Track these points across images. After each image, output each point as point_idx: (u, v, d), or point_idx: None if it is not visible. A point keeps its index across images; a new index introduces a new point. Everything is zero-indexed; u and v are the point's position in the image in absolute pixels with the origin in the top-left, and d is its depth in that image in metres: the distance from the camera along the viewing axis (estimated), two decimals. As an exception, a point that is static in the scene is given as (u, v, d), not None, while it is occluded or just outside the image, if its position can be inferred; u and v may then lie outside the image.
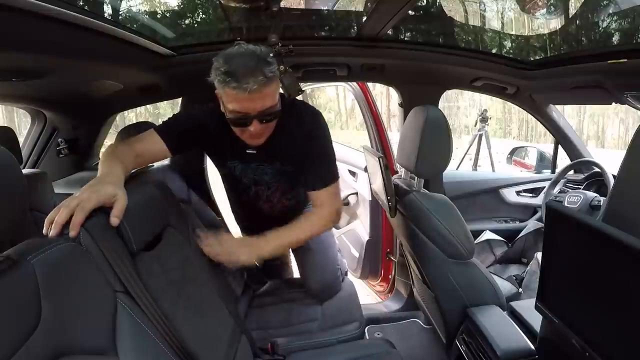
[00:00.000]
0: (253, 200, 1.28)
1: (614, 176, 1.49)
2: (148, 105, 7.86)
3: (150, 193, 0.99)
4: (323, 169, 1.16)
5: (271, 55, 1.00)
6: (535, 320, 1.03)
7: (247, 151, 1.13)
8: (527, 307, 1.18)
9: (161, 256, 0.92)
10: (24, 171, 1.43)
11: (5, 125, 1.48)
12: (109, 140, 1.72)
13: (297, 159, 1.17)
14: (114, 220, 0.76)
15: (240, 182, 1.24)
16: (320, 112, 1.20)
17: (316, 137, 1.14)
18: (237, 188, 1.28)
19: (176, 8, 1.58)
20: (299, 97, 1.26)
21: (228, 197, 1.43)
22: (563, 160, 1.97)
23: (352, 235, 2.27)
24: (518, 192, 2.01)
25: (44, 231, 0.69)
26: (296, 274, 1.78)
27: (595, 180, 1.73)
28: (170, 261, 0.94)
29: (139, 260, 0.83)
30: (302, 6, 1.53)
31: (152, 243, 0.92)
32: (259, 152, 1.13)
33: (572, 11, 1.55)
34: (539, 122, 1.95)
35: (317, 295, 1.41)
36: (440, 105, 1.80)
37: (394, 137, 1.80)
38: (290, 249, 1.51)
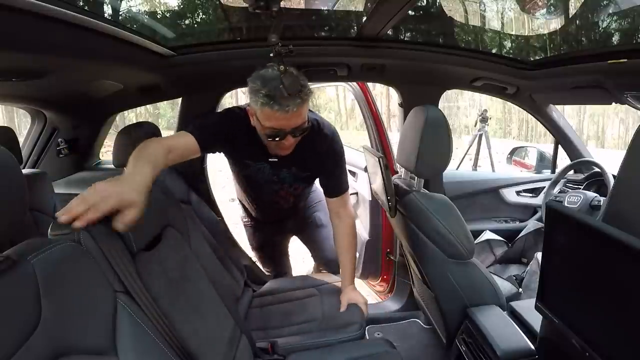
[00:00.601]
0: (266, 194, 1.43)
1: (614, 176, 1.49)
2: (148, 105, 7.87)
3: (152, 192, 0.99)
4: (341, 179, 1.35)
5: (302, 76, 1.09)
6: (535, 320, 1.03)
7: (270, 159, 1.27)
8: (527, 307, 1.18)
9: (161, 256, 0.92)
10: (24, 171, 1.43)
11: (5, 125, 1.48)
12: (109, 140, 1.72)
13: (313, 167, 1.34)
14: (120, 226, 0.75)
15: (257, 181, 1.37)
16: (335, 129, 1.34)
17: (334, 152, 1.31)
18: (253, 185, 1.42)
19: (176, 8, 1.58)
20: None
21: (241, 189, 1.55)
22: (563, 160, 1.97)
23: (352, 235, 2.27)
24: (518, 192, 2.01)
25: (59, 215, 0.69)
26: (297, 267, 1.81)
27: (595, 180, 1.73)
28: (170, 261, 0.95)
29: (139, 260, 0.83)
30: (302, 6, 1.53)
31: (152, 243, 0.92)
32: (280, 159, 1.26)
33: (572, 11, 1.55)
34: (539, 122, 1.95)
35: (333, 264, 1.61)
36: (440, 105, 1.80)
37: (394, 137, 1.80)
38: (298, 232, 1.76)
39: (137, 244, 0.84)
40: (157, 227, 0.97)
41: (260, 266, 1.88)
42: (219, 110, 1.29)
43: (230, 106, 1.28)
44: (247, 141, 1.21)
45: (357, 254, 2.14)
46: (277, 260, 1.84)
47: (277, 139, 1.12)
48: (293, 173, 1.34)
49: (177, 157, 1.10)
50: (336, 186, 1.35)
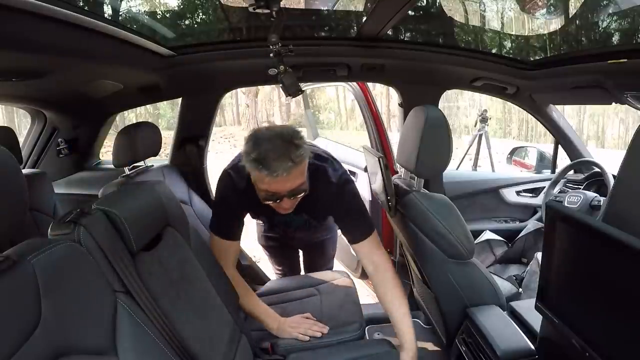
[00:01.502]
0: (281, 228, 1.49)
1: (614, 176, 1.49)
2: (148, 105, 7.87)
3: (150, 193, 0.99)
4: (360, 222, 1.23)
5: (299, 136, 1.04)
6: (535, 320, 1.03)
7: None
8: (527, 307, 1.18)
9: (161, 256, 0.92)
10: (24, 171, 1.43)
11: (5, 125, 1.48)
12: (109, 140, 1.72)
13: (326, 212, 1.32)
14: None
15: (271, 223, 1.45)
16: (346, 173, 1.24)
17: (345, 199, 1.21)
18: (268, 223, 1.49)
19: (176, 8, 1.58)
20: (299, 97, 1.31)
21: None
22: (563, 160, 1.97)
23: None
24: (518, 192, 2.01)
25: None
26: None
27: (595, 180, 1.73)
28: (170, 261, 0.94)
29: (139, 260, 0.83)
30: (302, 6, 1.53)
31: (152, 243, 0.92)
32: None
33: (572, 11, 1.55)
34: (539, 122, 1.95)
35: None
36: (440, 105, 1.80)
37: (394, 137, 1.80)
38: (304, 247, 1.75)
39: (138, 244, 0.84)
40: (157, 227, 0.97)
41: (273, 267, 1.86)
42: (219, 183, 1.26)
43: (229, 170, 1.22)
44: (251, 198, 1.14)
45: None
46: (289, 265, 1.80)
47: (272, 201, 1.09)
48: (305, 219, 1.36)
49: (234, 259, 1.27)
50: (356, 230, 1.22)
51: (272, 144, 0.99)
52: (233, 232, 1.25)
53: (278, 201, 1.08)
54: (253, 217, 1.44)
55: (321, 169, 1.20)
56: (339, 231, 1.76)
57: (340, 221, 1.27)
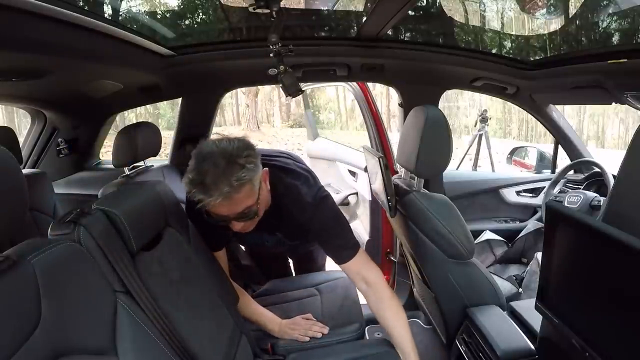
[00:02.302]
0: (256, 248, 1.46)
1: (614, 176, 1.49)
2: (148, 105, 7.87)
3: (150, 193, 1.00)
4: (342, 242, 1.12)
5: (246, 154, 0.91)
6: (535, 320, 1.03)
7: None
8: (527, 307, 1.18)
9: (161, 256, 0.92)
10: (24, 171, 1.43)
11: (5, 125, 1.48)
12: (109, 140, 1.72)
13: (301, 235, 1.18)
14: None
15: (244, 242, 1.42)
16: (327, 195, 1.14)
17: (322, 221, 1.10)
18: (242, 244, 1.46)
19: (176, 8, 1.58)
20: (299, 97, 1.30)
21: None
22: (563, 160, 1.97)
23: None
24: (518, 192, 2.01)
25: None
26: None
27: (595, 180, 1.73)
28: (170, 261, 0.94)
29: (139, 260, 0.83)
30: (302, 6, 1.53)
31: (152, 243, 0.92)
32: (257, 227, 1.06)
33: (572, 11, 1.55)
34: (539, 122, 1.95)
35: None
36: (440, 105, 1.80)
37: (394, 137, 1.80)
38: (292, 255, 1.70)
39: (137, 244, 0.84)
40: (157, 227, 0.97)
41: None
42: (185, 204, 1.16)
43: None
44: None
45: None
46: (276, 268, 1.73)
47: (222, 222, 0.97)
48: (279, 238, 1.24)
49: (224, 267, 1.23)
50: (340, 251, 1.12)
51: (213, 163, 0.87)
52: (213, 244, 1.17)
53: (229, 224, 0.97)
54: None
55: (293, 188, 1.09)
56: None
57: (322, 243, 1.16)
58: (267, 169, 1.01)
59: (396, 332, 1.12)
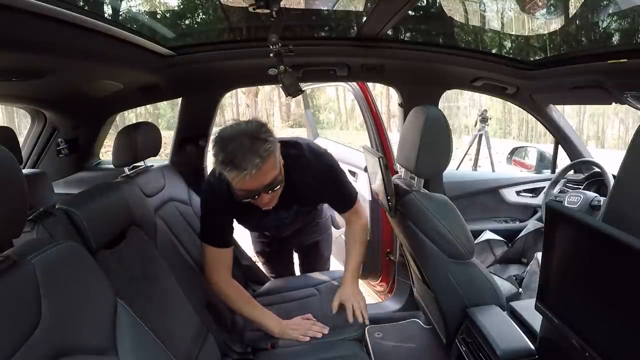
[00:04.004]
0: (274, 231, 1.49)
1: (614, 176, 1.49)
2: (148, 105, 7.86)
3: (115, 192, 1.03)
4: (345, 194, 1.31)
5: (264, 130, 1.03)
6: (535, 320, 1.03)
7: (264, 209, 1.16)
8: (527, 307, 1.18)
9: (122, 254, 0.94)
10: (24, 171, 1.42)
11: (5, 125, 1.48)
12: (109, 140, 1.72)
13: (314, 197, 1.32)
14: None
15: (263, 227, 1.44)
16: (325, 151, 1.28)
17: (329, 178, 1.25)
18: (260, 230, 1.50)
19: (176, 8, 1.58)
20: (299, 97, 1.32)
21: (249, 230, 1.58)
22: (563, 160, 1.97)
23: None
24: (518, 192, 2.01)
25: None
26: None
27: (595, 180, 1.73)
28: (131, 259, 0.96)
29: (99, 258, 0.84)
30: (302, 6, 1.53)
31: (114, 241, 0.94)
32: (277, 205, 1.17)
33: (572, 11, 1.55)
34: (539, 122, 1.95)
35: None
36: (440, 105, 1.80)
37: (394, 137, 1.80)
38: (300, 250, 1.74)
39: (97, 242, 0.86)
40: (121, 225, 0.99)
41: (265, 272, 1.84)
42: (202, 193, 1.27)
43: (209, 177, 1.23)
44: (235, 202, 1.13)
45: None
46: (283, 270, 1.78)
47: (251, 199, 1.07)
48: (295, 210, 1.32)
49: (230, 265, 1.26)
50: (342, 202, 1.33)
51: (238, 143, 0.98)
52: (225, 239, 1.24)
53: (257, 197, 1.07)
54: (240, 223, 1.37)
55: (298, 157, 1.20)
56: (333, 231, 1.80)
57: (329, 196, 1.31)
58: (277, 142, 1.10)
59: (348, 252, 1.38)
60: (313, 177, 1.21)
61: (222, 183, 1.11)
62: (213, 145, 1.03)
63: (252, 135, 1.00)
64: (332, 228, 1.79)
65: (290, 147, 1.21)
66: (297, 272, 1.82)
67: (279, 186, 1.09)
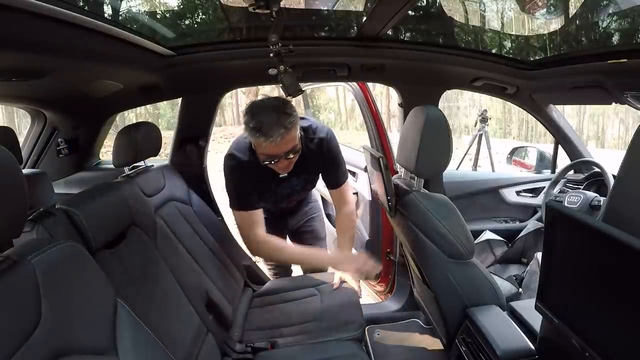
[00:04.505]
0: (279, 201, 1.59)
1: (614, 176, 1.49)
2: (148, 105, 7.86)
3: (115, 193, 1.03)
4: (341, 170, 1.51)
5: (289, 105, 1.24)
6: (535, 320, 1.03)
7: (280, 176, 1.40)
8: (527, 307, 1.18)
9: (122, 254, 0.94)
10: (24, 171, 1.42)
11: (5, 125, 1.48)
12: (109, 140, 1.72)
13: (319, 167, 1.50)
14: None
15: (274, 195, 1.53)
16: (329, 128, 1.48)
17: (331, 151, 1.45)
18: (270, 198, 1.56)
19: (176, 8, 1.58)
20: (299, 97, 1.38)
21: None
22: (563, 160, 1.97)
23: (352, 235, 2.27)
24: (518, 192, 2.01)
25: None
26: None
27: (595, 180, 1.73)
28: (131, 259, 0.96)
29: (98, 258, 0.84)
30: (302, 6, 1.53)
31: (114, 241, 0.94)
32: (289, 174, 1.40)
33: (572, 11, 1.55)
34: (539, 122, 1.95)
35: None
36: (440, 105, 1.80)
37: (394, 137, 1.80)
38: (295, 234, 1.83)
39: (97, 242, 0.85)
40: (121, 225, 0.99)
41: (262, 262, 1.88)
42: (225, 167, 1.42)
43: (230, 152, 1.40)
44: (257, 168, 1.34)
45: (356, 253, 2.15)
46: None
47: (272, 162, 1.28)
48: (303, 179, 1.51)
49: (262, 224, 1.42)
50: (335, 179, 1.52)
51: (267, 114, 1.19)
52: (252, 201, 1.40)
53: (275, 161, 1.27)
54: (259, 193, 1.48)
55: (309, 130, 1.42)
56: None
57: (328, 170, 1.50)
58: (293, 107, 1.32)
59: (339, 235, 1.58)
60: (318, 148, 1.41)
61: (244, 152, 1.36)
62: (245, 114, 1.23)
63: (279, 109, 1.20)
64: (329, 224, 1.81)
65: (305, 122, 1.42)
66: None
67: (297, 153, 1.30)
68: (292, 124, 1.21)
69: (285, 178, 1.42)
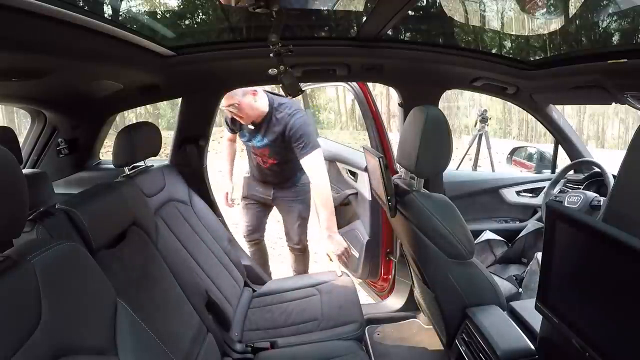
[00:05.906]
0: (256, 159, 2.00)
1: (614, 176, 1.49)
2: (148, 105, 7.86)
3: (115, 193, 1.03)
4: (301, 144, 1.74)
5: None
6: (535, 320, 1.03)
7: (249, 126, 1.86)
8: (527, 307, 1.18)
9: (123, 254, 0.95)
10: (24, 171, 1.42)
11: (5, 125, 1.48)
12: (109, 140, 1.72)
13: (281, 135, 1.80)
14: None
15: (253, 140, 1.92)
16: (297, 109, 1.82)
17: (292, 125, 1.76)
18: (249, 151, 2.01)
19: (176, 8, 1.58)
20: (300, 97, 1.34)
21: (249, 157, 2.11)
22: (563, 160, 1.97)
23: (352, 235, 2.27)
24: (518, 192, 2.01)
25: None
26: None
27: (595, 180, 1.73)
28: (132, 259, 0.96)
29: (99, 259, 0.84)
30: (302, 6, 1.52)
31: (115, 241, 0.94)
32: (254, 129, 1.86)
33: (572, 11, 1.55)
34: (539, 122, 1.95)
35: (300, 248, 2.18)
36: (440, 105, 1.80)
37: (394, 137, 1.80)
38: (282, 210, 2.17)
39: (97, 242, 0.85)
40: (121, 225, 0.99)
41: (243, 220, 2.17)
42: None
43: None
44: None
45: (357, 253, 2.15)
46: (255, 217, 2.17)
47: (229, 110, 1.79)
48: (269, 140, 1.85)
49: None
50: (299, 149, 1.75)
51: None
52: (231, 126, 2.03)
53: (229, 109, 1.78)
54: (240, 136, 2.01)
55: (280, 106, 1.80)
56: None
57: (294, 141, 1.76)
58: (256, 89, 1.76)
59: (319, 213, 1.78)
60: (283, 120, 1.77)
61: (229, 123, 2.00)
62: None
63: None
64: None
65: (280, 101, 1.81)
66: (276, 229, 2.10)
67: (235, 109, 1.75)
68: (246, 94, 1.72)
69: (254, 130, 1.85)
